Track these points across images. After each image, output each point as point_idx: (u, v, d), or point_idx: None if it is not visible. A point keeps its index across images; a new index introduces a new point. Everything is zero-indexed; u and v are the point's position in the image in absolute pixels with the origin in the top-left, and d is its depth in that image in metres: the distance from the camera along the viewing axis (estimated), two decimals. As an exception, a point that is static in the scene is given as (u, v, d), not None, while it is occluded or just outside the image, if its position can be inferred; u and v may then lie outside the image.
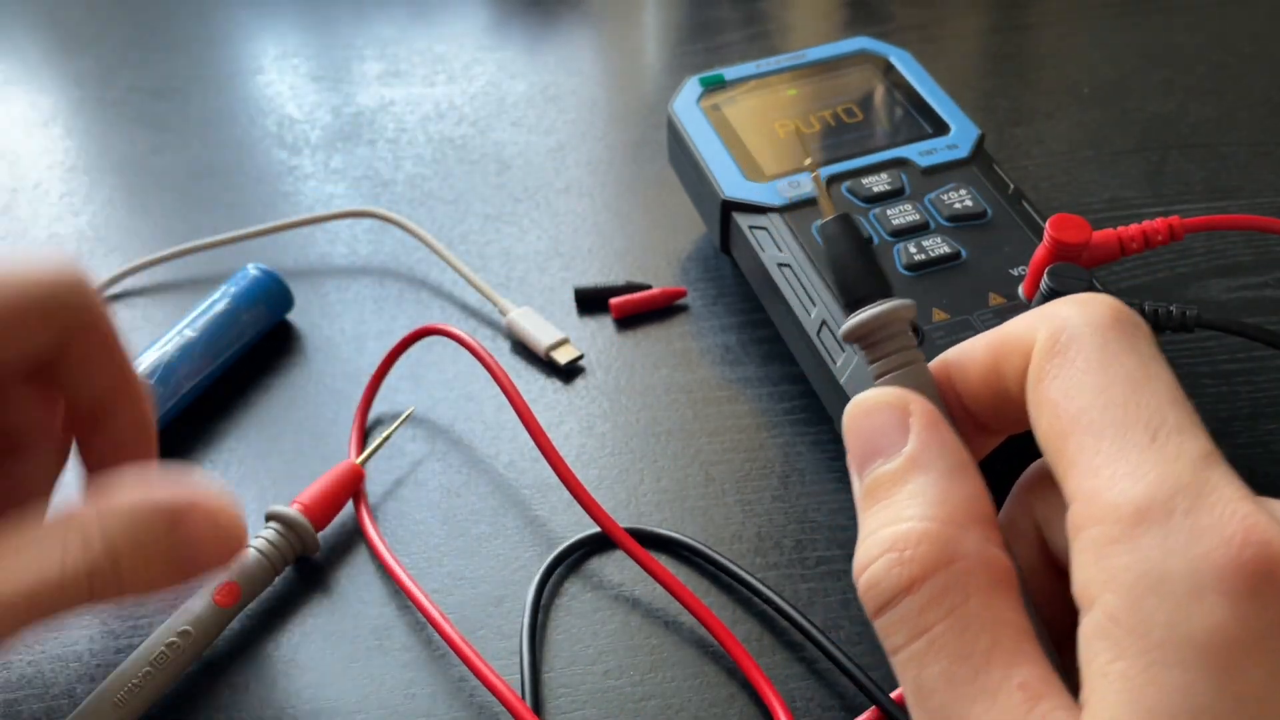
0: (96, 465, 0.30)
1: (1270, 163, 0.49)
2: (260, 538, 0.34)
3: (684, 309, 0.44)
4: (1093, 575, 0.17)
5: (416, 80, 0.59)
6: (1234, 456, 0.19)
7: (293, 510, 0.34)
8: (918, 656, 0.18)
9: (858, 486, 0.21)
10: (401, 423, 0.38)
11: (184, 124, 0.57)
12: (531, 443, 0.35)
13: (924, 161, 0.40)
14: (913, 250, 0.37)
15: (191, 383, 0.40)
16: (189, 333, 0.40)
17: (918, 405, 0.20)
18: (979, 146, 0.41)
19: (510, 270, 0.46)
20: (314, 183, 0.52)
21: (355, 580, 0.35)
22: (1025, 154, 0.51)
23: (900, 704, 0.29)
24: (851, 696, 0.31)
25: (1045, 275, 0.33)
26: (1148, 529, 0.17)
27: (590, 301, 0.44)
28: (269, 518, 0.34)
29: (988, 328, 0.23)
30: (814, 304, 0.36)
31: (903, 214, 0.38)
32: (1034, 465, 0.22)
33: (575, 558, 0.35)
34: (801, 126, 0.43)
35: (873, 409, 0.21)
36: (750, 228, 0.39)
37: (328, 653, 0.33)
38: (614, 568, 0.35)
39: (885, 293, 0.22)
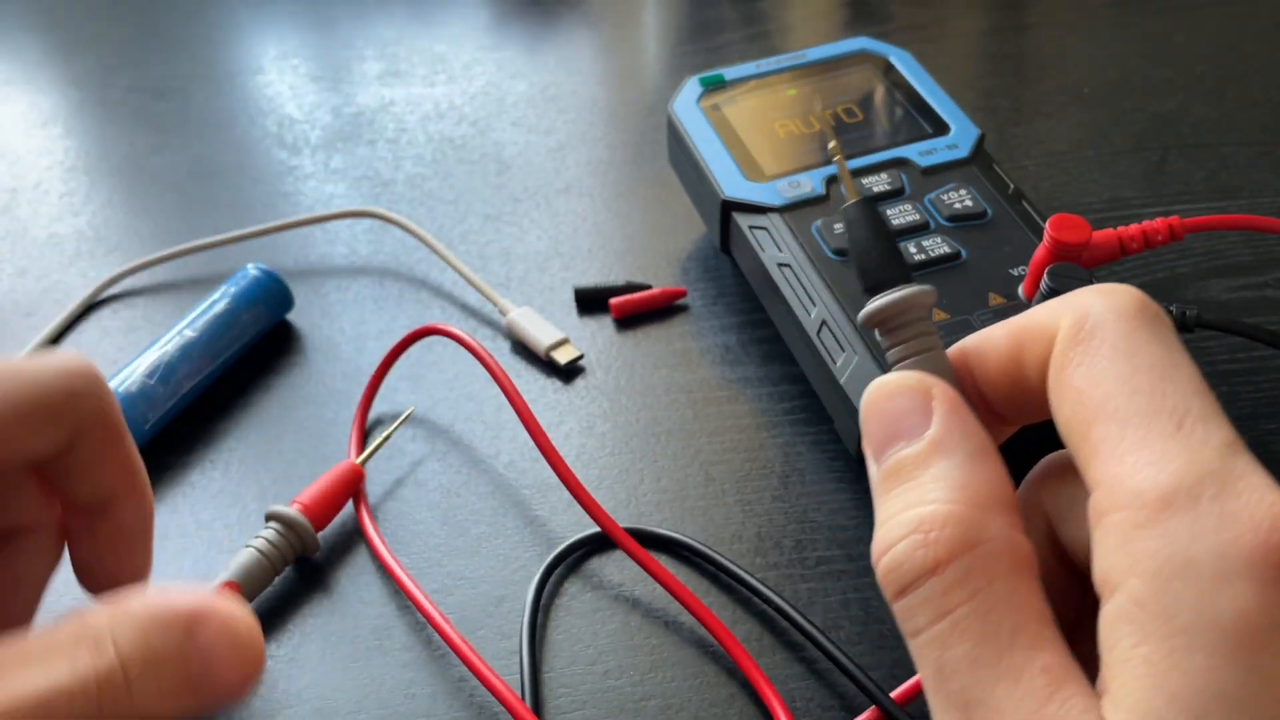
0: (89, 559, 0.30)
1: (1270, 163, 0.49)
2: (260, 538, 0.34)
3: (684, 309, 0.44)
4: (1116, 561, 0.17)
5: (416, 80, 0.59)
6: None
7: (293, 510, 0.34)
8: (940, 638, 0.18)
9: (875, 470, 0.21)
10: (401, 423, 0.38)
11: (184, 124, 0.57)
12: (531, 443, 0.35)
13: (924, 161, 0.40)
14: (913, 250, 0.37)
15: (191, 383, 0.40)
16: (189, 333, 0.40)
17: (940, 389, 0.20)
18: (979, 146, 0.41)
19: (510, 270, 0.46)
20: (314, 183, 0.52)
21: (355, 580, 0.35)
22: (1025, 154, 0.51)
23: (900, 703, 0.29)
24: (851, 696, 0.31)
25: (1045, 275, 0.33)
26: (1174, 514, 0.17)
27: (590, 301, 0.44)
28: (269, 518, 0.34)
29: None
30: (814, 304, 0.36)
31: (903, 214, 0.38)
32: (1044, 460, 0.22)
33: (575, 558, 0.35)
34: (803, 126, 0.43)
35: (895, 392, 0.21)
36: (750, 228, 0.39)
37: (328, 653, 0.33)
38: (614, 568, 0.35)
39: (905, 278, 0.22)
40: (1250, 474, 0.17)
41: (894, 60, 0.45)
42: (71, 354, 0.29)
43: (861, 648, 0.32)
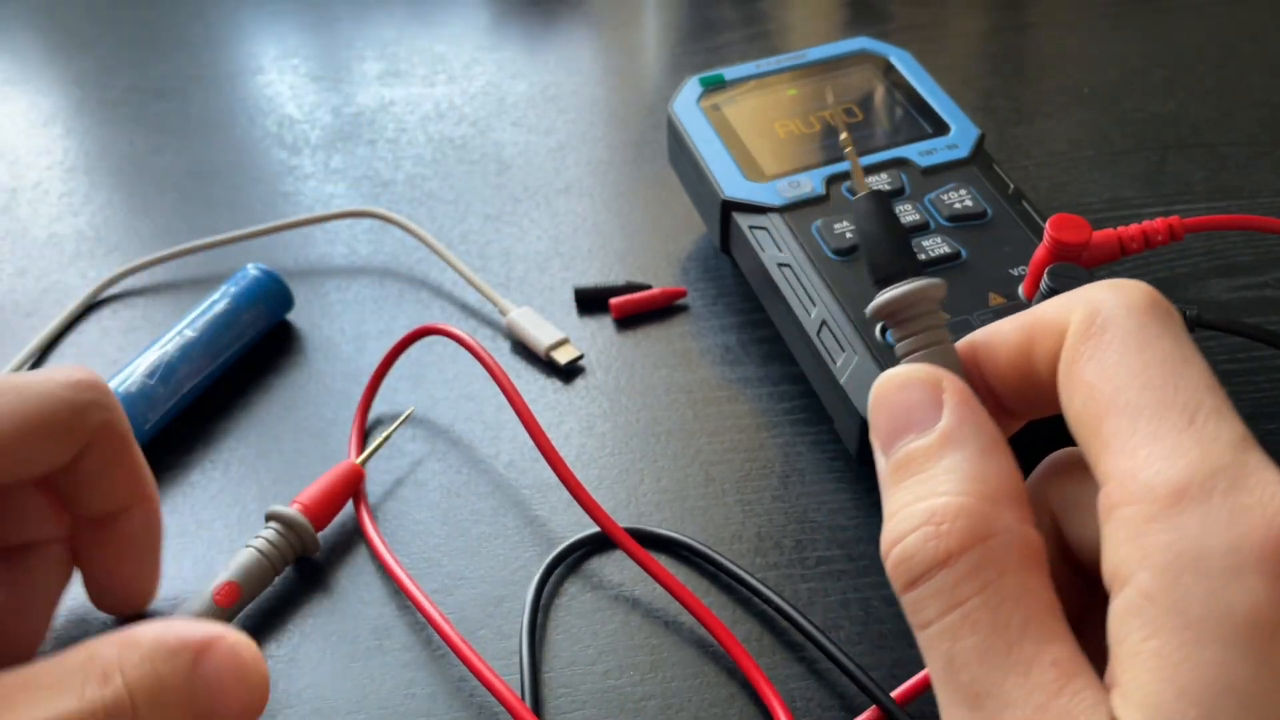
0: (99, 572, 0.30)
1: (1270, 163, 0.49)
2: (260, 538, 0.34)
3: (684, 309, 0.44)
4: (1127, 554, 0.17)
5: (416, 80, 0.59)
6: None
7: (293, 510, 0.34)
8: (951, 630, 0.18)
9: (883, 462, 0.21)
10: (401, 423, 0.38)
11: (184, 124, 0.57)
12: (531, 443, 0.35)
13: (924, 161, 0.40)
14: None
15: (191, 383, 0.40)
16: (189, 333, 0.40)
17: (951, 382, 0.20)
18: (979, 146, 0.41)
19: (510, 270, 0.46)
20: (314, 183, 0.52)
21: (355, 580, 0.35)
22: (1025, 154, 0.51)
23: (900, 703, 0.29)
24: (851, 696, 0.31)
25: (1045, 275, 0.33)
26: (1186, 508, 0.17)
27: (590, 301, 0.44)
28: (269, 518, 0.34)
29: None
30: (814, 304, 0.36)
31: (903, 214, 0.38)
32: (1050, 458, 0.22)
33: (575, 558, 0.35)
34: (803, 126, 0.43)
35: (905, 384, 0.21)
36: (750, 228, 0.39)
37: (328, 653, 0.33)
38: (614, 568, 0.35)
39: (916, 271, 0.22)
40: (1262, 470, 0.17)
41: (894, 60, 0.45)
42: (76, 367, 0.29)
43: (861, 648, 0.32)
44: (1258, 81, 0.54)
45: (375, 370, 0.39)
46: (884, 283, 0.22)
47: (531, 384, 0.41)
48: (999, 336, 0.21)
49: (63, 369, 0.29)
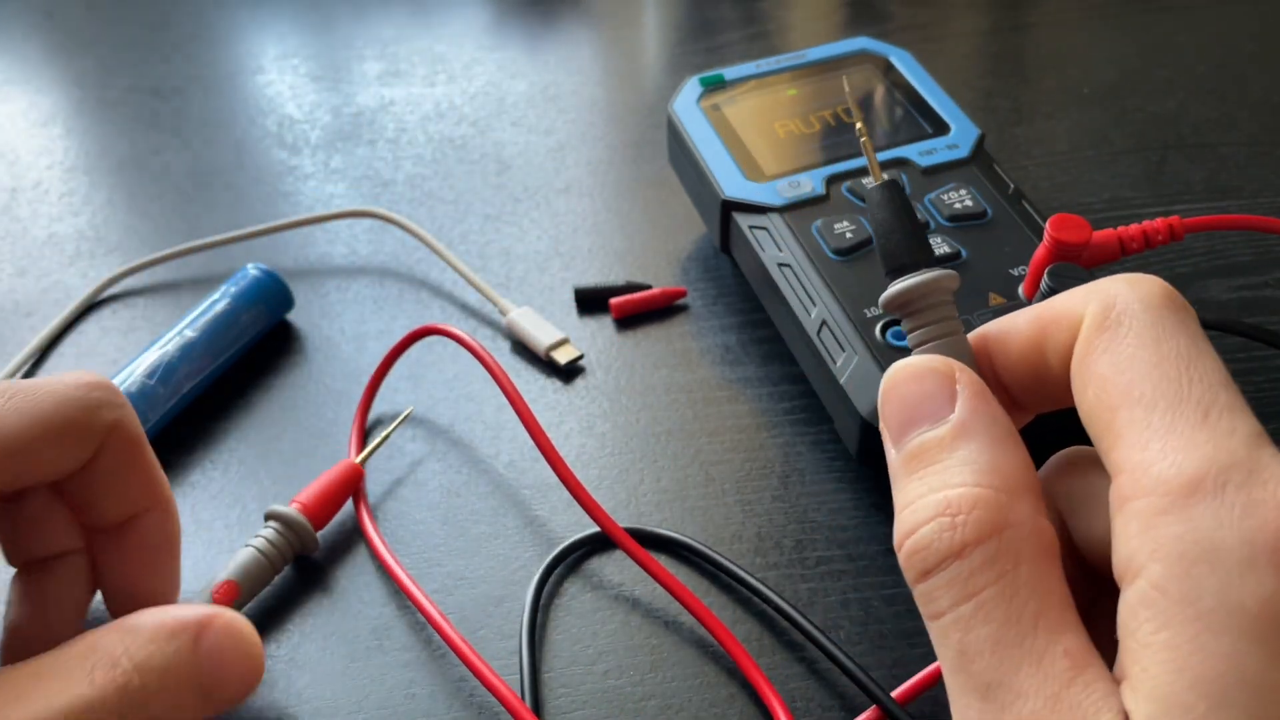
0: (117, 579, 0.30)
1: (1270, 163, 0.49)
2: (259, 537, 0.34)
3: (684, 309, 0.44)
4: (1139, 546, 0.17)
5: (416, 80, 0.59)
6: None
7: (292, 510, 0.34)
8: (964, 620, 0.18)
9: (894, 453, 0.21)
10: (401, 422, 0.38)
11: (184, 124, 0.57)
12: (531, 443, 0.35)
13: (924, 161, 0.40)
14: (913, 250, 0.37)
15: (191, 383, 0.40)
16: (189, 333, 0.40)
17: (964, 373, 0.20)
18: (979, 146, 0.41)
19: (510, 270, 0.46)
20: (314, 183, 0.52)
21: (355, 580, 0.35)
22: (1025, 154, 0.51)
23: (901, 703, 0.29)
24: (851, 696, 0.31)
25: (1045, 275, 0.33)
26: (1200, 501, 0.17)
27: (590, 301, 0.44)
28: (268, 517, 0.34)
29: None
30: (814, 304, 0.36)
31: (903, 214, 0.38)
32: (1058, 455, 0.22)
33: (575, 558, 0.35)
34: (803, 126, 0.43)
35: (918, 374, 0.21)
36: (750, 228, 0.39)
37: (327, 653, 0.33)
38: (614, 568, 0.35)
39: (929, 262, 0.22)
40: (1276, 465, 0.17)
41: (894, 60, 0.45)
42: (84, 371, 0.29)
43: (861, 648, 0.32)
44: (1258, 81, 0.54)
45: (376, 370, 0.39)
46: (897, 273, 0.22)
47: (531, 384, 0.41)
48: (1012, 329, 0.21)
49: (71, 373, 0.29)
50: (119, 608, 0.32)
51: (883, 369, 0.32)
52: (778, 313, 0.39)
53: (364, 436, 0.39)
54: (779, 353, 0.41)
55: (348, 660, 0.32)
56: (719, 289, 0.44)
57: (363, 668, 0.32)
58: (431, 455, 0.39)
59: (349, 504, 0.37)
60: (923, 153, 0.41)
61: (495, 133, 0.55)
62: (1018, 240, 0.37)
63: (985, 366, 0.22)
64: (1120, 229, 0.35)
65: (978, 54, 0.60)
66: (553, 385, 0.41)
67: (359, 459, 0.37)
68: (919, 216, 0.38)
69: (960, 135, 0.41)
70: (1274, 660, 0.15)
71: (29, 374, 0.43)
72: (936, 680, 0.30)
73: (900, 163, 0.40)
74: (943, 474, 0.19)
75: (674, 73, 0.59)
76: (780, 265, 0.38)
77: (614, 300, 0.43)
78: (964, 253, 0.37)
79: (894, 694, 0.30)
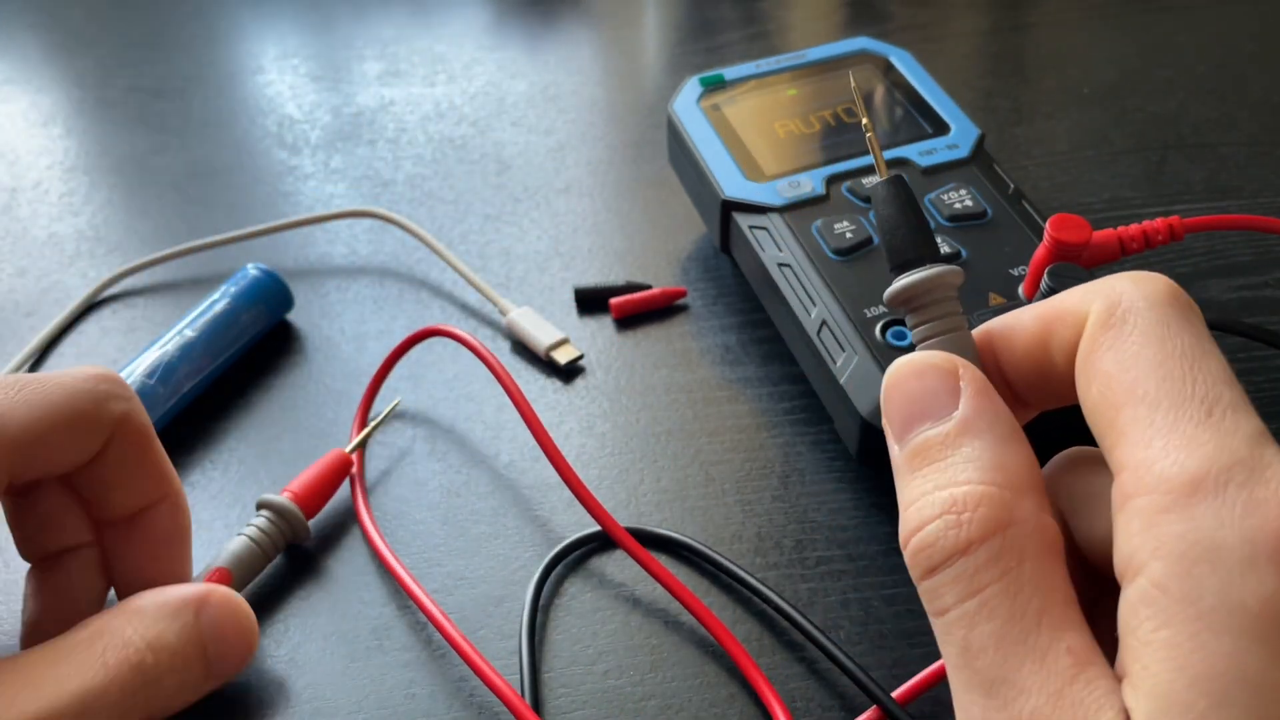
0: (129, 571, 0.30)
1: (1270, 163, 0.49)
2: (251, 525, 0.34)
3: (684, 309, 0.44)
4: (1140, 544, 0.17)
5: (416, 80, 0.59)
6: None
7: (283, 498, 0.34)
8: (968, 617, 0.18)
9: (897, 450, 0.21)
10: (390, 411, 0.39)
11: (184, 124, 0.57)
12: (532, 442, 0.35)
13: (924, 161, 0.40)
14: (913, 250, 0.37)
15: (191, 383, 0.40)
16: (189, 333, 0.40)
17: (968, 370, 0.20)
18: (979, 146, 0.41)
19: (510, 270, 0.46)
20: (314, 183, 0.52)
21: (355, 580, 0.35)
22: (1025, 154, 0.51)
23: (901, 703, 0.29)
24: (851, 696, 0.31)
25: (1045, 275, 0.33)
26: (1202, 499, 0.17)
27: (590, 301, 0.44)
28: (260, 506, 0.35)
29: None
30: (814, 304, 0.36)
31: (903, 214, 0.38)
32: (1062, 454, 0.22)
33: (575, 557, 0.35)
34: (803, 126, 0.43)
35: (921, 370, 0.21)
36: (750, 228, 0.39)
37: (327, 653, 0.33)
38: (614, 567, 0.35)
39: (934, 257, 0.22)
40: (1278, 464, 0.17)
41: (894, 60, 0.45)
42: (91, 365, 0.29)
43: (861, 648, 0.32)
44: (1258, 81, 0.54)
45: (377, 370, 0.39)
46: (901, 269, 0.22)
47: (531, 384, 0.41)
48: (1016, 325, 0.21)
49: (79, 367, 0.29)
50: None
51: (883, 369, 0.32)
52: (778, 313, 0.39)
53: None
54: (779, 353, 0.41)
55: (348, 660, 0.32)
56: (719, 289, 0.44)
57: (363, 668, 0.32)
58: (431, 455, 0.39)
59: (349, 504, 0.37)
60: (923, 153, 0.41)
61: (495, 133, 0.55)
62: (1018, 240, 0.37)
63: (990, 363, 0.22)
64: (1120, 229, 0.35)
65: (978, 54, 0.60)
66: (553, 385, 0.41)
67: (349, 448, 0.37)
68: (919, 216, 0.38)
69: (960, 135, 0.41)
70: (1274, 659, 0.15)
71: (29, 374, 0.43)
72: (937, 680, 0.30)
73: (900, 163, 0.40)
74: (947, 471, 0.19)
75: (674, 73, 0.59)
76: (780, 265, 0.38)
77: (614, 300, 0.43)
78: (964, 253, 0.37)
79: (894, 694, 0.30)
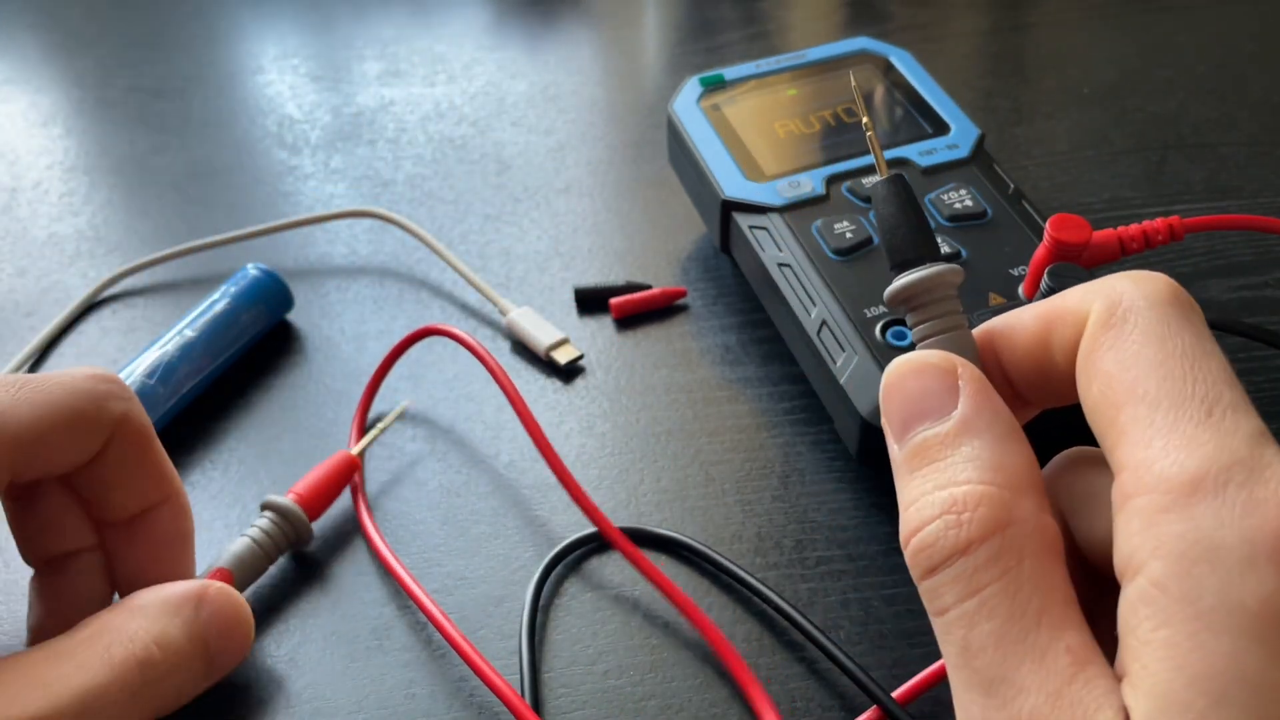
0: (132, 576, 0.30)
1: (1270, 163, 0.49)
2: (254, 526, 0.34)
3: (684, 309, 0.44)
4: (1140, 543, 0.17)
5: (416, 80, 0.59)
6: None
7: (287, 499, 0.34)
8: (968, 616, 0.18)
9: (897, 450, 0.21)
10: (397, 415, 0.38)
11: (184, 124, 0.57)
12: (532, 442, 0.35)
13: (924, 161, 0.40)
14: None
15: (191, 383, 0.40)
16: (189, 333, 0.40)
17: (966, 369, 0.20)
18: (979, 146, 0.41)
19: (510, 270, 0.46)
20: (314, 183, 0.52)
21: (355, 580, 0.35)
22: (1025, 154, 0.51)
23: (901, 704, 0.29)
24: (851, 696, 0.31)
25: (1045, 275, 0.33)
26: (1201, 499, 0.17)
27: (590, 301, 0.44)
28: (264, 507, 0.35)
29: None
30: (814, 304, 0.36)
31: (903, 214, 0.38)
32: (1062, 455, 0.22)
33: (575, 557, 0.35)
34: (803, 126, 0.43)
35: (919, 370, 0.21)
36: (750, 228, 0.39)
37: (327, 653, 0.33)
38: (614, 568, 0.35)
39: (934, 256, 0.22)
40: (1278, 464, 0.17)
41: (894, 60, 0.45)
42: (93, 366, 0.29)
43: (861, 648, 0.32)
44: (1258, 81, 0.54)
45: (376, 370, 0.39)
46: (901, 268, 0.22)
47: (531, 384, 0.41)
48: (1018, 324, 0.21)
49: (78, 368, 0.29)
50: None
51: (883, 369, 0.32)
52: (778, 313, 0.39)
53: (364, 436, 0.39)
54: (779, 353, 0.41)
55: (348, 660, 0.32)
56: (719, 289, 0.44)
57: (363, 668, 0.32)
58: (431, 455, 0.39)
59: (349, 504, 0.37)
60: (923, 153, 0.41)
61: (495, 133, 0.55)
62: (1018, 240, 0.37)
63: (991, 362, 0.22)
64: (1120, 229, 0.35)
65: (978, 54, 0.60)
66: (553, 385, 0.41)
67: (355, 450, 0.37)
68: (919, 216, 0.38)
69: (960, 135, 0.41)
70: (1273, 659, 0.15)
71: (29, 373, 0.43)
72: (937, 680, 0.30)
73: (900, 163, 0.40)
74: (947, 471, 0.19)
75: (674, 73, 0.59)
76: (780, 265, 0.38)
77: (614, 300, 0.43)
78: (964, 253, 0.37)
79: (894, 694, 0.30)
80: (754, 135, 0.42)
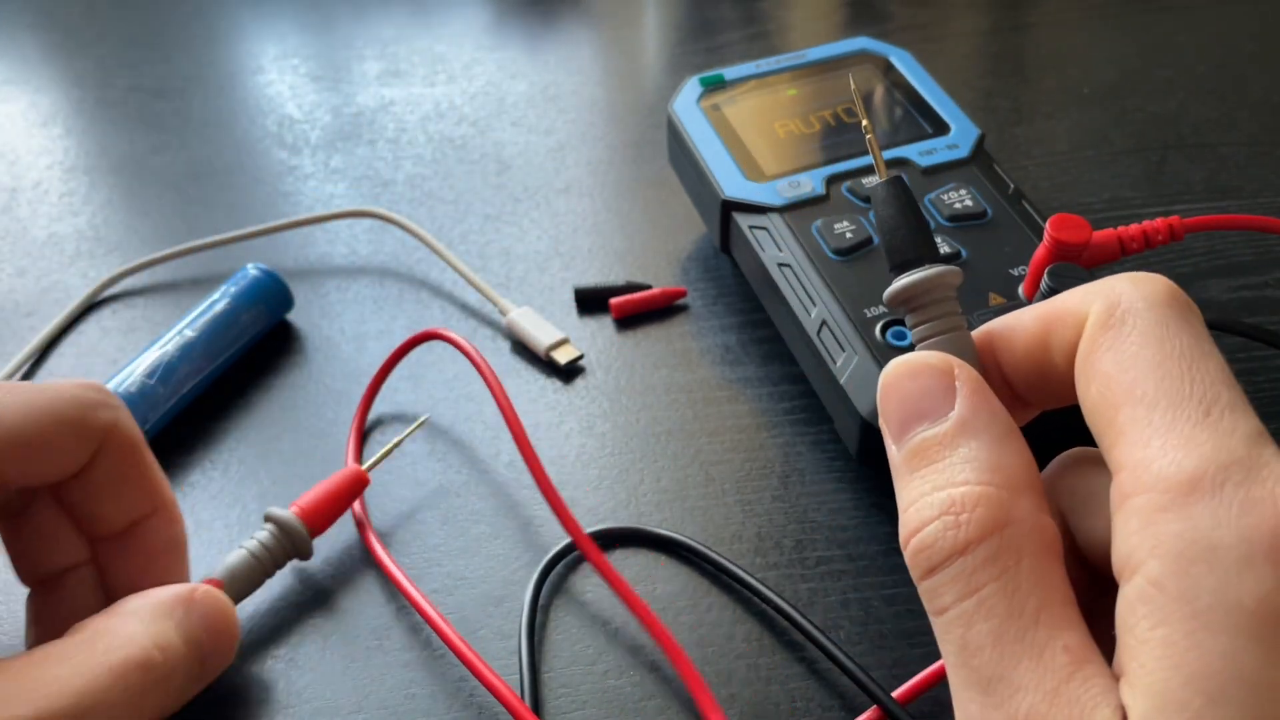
0: (124, 588, 0.30)
1: (1270, 163, 0.49)
2: (253, 539, 0.33)
3: (684, 309, 0.44)
4: (1138, 543, 0.17)
5: (416, 80, 0.59)
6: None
7: (289, 514, 0.34)
8: (966, 615, 0.18)
9: (895, 451, 0.21)
10: (415, 429, 0.38)
11: (184, 124, 0.57)
12: (529, 446, 0.35)
13: (924, 161, 0.40)
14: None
15: (191, 383, 0.40)
16: (189, 333, 0.40)
17: (963, 370, 0.20)
18: (979, 146, 0.41)
19: (510, 270, 0.46)
20: (314, 183, 0.52)
21: (355, 581, 0.35)
22: (1025, 154, 0.51)
23: (901, 703, 0.29)
24: (851, 696, 0.31)
25: (1045, 275, 0.33)
26: (1199, 499, 0.17)
27: (590, 301, 0.44)
28: (267, 519, 0.34)
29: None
30: (814, 304, 0.36)
31: (903, 214, 0.38)
32: (1062, 455, 0.22)
33: (575, 557, 0.35)
34: (803, 126, 0.43)
35: (916, 371, 0.21)
36: (750, 228, 0.39)
37: (327, 653, 0.33)
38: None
39: (934, 258, 0.22)
40: (1276, 463, 0.17)
41: (894, 60, 0.45)
42: (81, 378, 0.29)
43: (861, 648, 0.32)
44: (1258, 81, 0.54)
45: (375, 374, 0.39)
46: (901, 269, 0.22)
47: (531, 384, 0.41)
48: (1017, 325, 0.22)
49: (66, 379, 0.29)
50: None
51: (882, 369, 0.32)
52: (778, 313, 0.39)
53: (363, 438, 0.39)
54: (779, 353, 0.41)
55: (348, 660, 0.32)
56: (719, 289, 0.44)
57: (363, 668, 0.32)
58: (431, 455, 0.39)
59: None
60: (923, 153, 0.41)
61: (495, 133, 0.55)
62: (1018, 240, 0.37)
63: (990, 363, 0.22)
64: (1120, 229, 0.35)
65: (978, 54, 0.60)
66: (553, 385, 0.41)
67: (366, 466, 0.36)
68: (919, 216, 0.38)
69: (960, 135, 0.41)
70: (1270, 657, 0.16)
71: (29, 374, 0.43)
72: (937, 680, 0.30)
73: (900, 163, 0.40)
74: (945, 472, 0.19)
75: (674, 73, 0.59)
76: (780, 265, 0.38)
77: (614, 300, 0.43)
78: (964, 253, 0.37)
79: (894, 694, 0.30)
80: (754, 135, 0.42)
